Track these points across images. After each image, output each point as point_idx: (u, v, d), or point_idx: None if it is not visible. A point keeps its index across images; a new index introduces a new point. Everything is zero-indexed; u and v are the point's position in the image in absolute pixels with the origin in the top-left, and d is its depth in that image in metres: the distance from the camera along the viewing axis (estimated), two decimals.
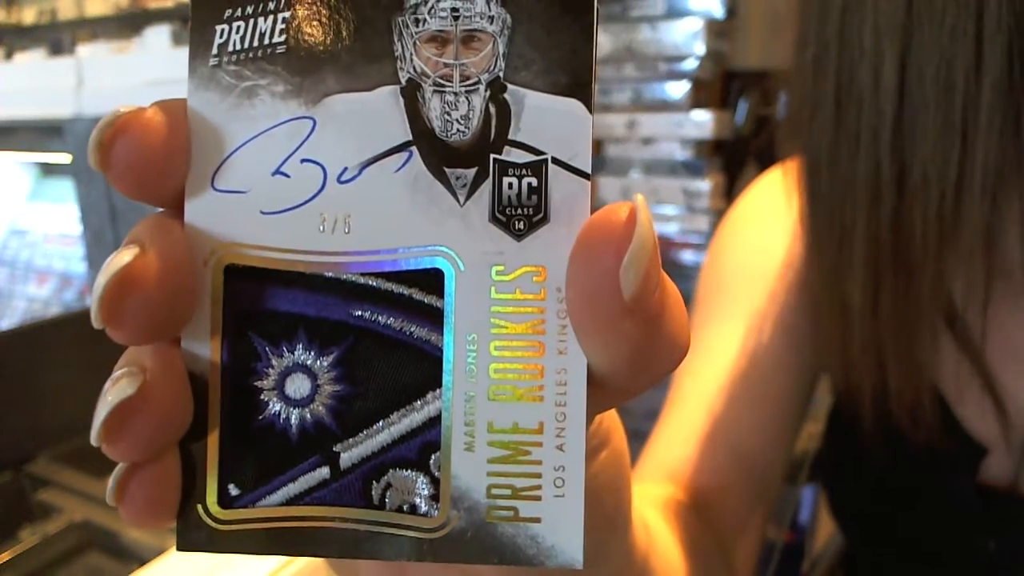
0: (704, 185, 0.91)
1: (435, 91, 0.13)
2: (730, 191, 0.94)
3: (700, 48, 0.89)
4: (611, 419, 0.16)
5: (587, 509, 0.13)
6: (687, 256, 0.95)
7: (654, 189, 0.94)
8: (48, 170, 1.61)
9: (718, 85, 0.94)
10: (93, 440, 0.13)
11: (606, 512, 0.17)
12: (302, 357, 0.14)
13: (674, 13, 0.91)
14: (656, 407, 0.39)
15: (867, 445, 0.36)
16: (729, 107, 0.94)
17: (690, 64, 0.90)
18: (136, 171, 0.13)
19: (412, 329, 0.13)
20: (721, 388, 0.37)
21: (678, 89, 0.91)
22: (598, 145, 1.00)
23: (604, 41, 0.94)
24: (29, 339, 0.66)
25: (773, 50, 0.90)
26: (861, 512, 0.41)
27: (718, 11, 0.90)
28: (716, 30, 0.90)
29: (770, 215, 0.40)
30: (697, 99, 0.91)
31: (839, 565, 0.49)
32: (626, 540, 0.19)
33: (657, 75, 0.92)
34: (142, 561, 0.44)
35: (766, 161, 0.43)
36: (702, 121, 0.90)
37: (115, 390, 0.12)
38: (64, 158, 1.33)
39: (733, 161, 0.94)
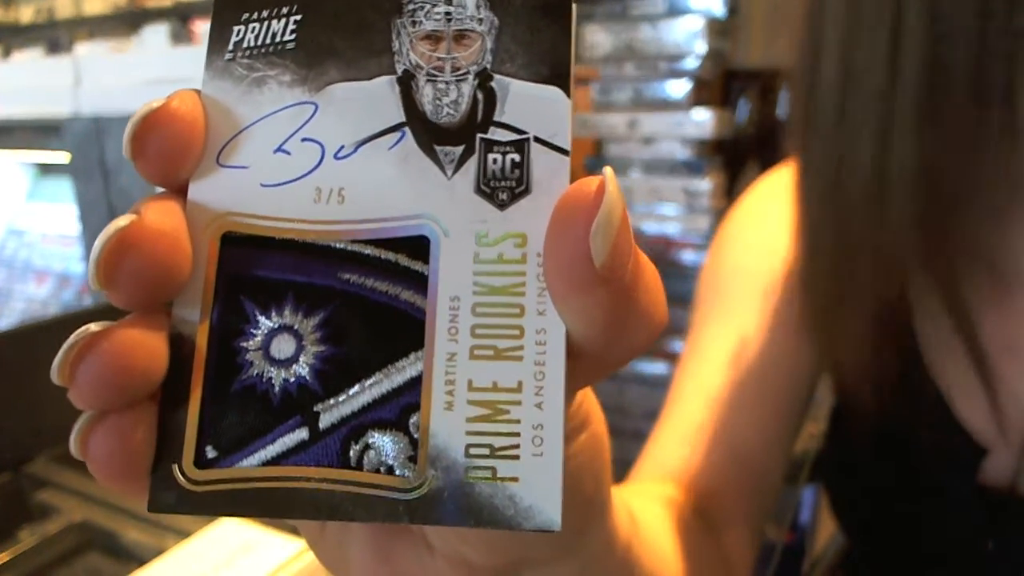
0: (704, 184, 0.91)
1: (428, 80, 0.14)
2: (731, 191, 0.94)
3: (701, 47, 0.89)
4: (590, 402, 0.16)
5: (566, 491, 0.13)
6: (687, 256, 0.95)
7: (654, 189, 0.94)
8: (46, 169, 1.60)
9: (719, 84, 0.94)
10: (53, 376, 0.13)
11: (585, 495, 0.17)
12: (289, 319, 0.14)
13: (675, 12, 0.90)
14: (656, 408, 0.39)
15: (868, 445, 0.36)
16: (730, 106, 0.94)
17: (691, 63, 0.90)
18: (164, 159, 0.14)
19: (398, 292, 0.14)
20: (720, 388, 0.37)
21: (679, 88, 0.91)
22: (598, 144, 1.00)
23: (604, 40, 0.94)
24: (28, 339, 0.65)
25: (774, 49, 0.90)
26: (862, 512, 0.41)
27: (719, 10, 0.90)
28: (717, 29, 0.90)
29: (771, 216, 0.40)
30: (698, 98, 0.91)
31: (839, 565, 0.49)
32: (606, 524, 0.19)
33: (657, 74, 0.92)
34: (141, 561, 0.43)
35: (767, 160, 0.43)
36: (703, 120, 0.90)
37: (83, 328, 0.13)
38: (62, 157, 1.33)
39: (734, 160, 0.94)
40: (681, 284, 0.94)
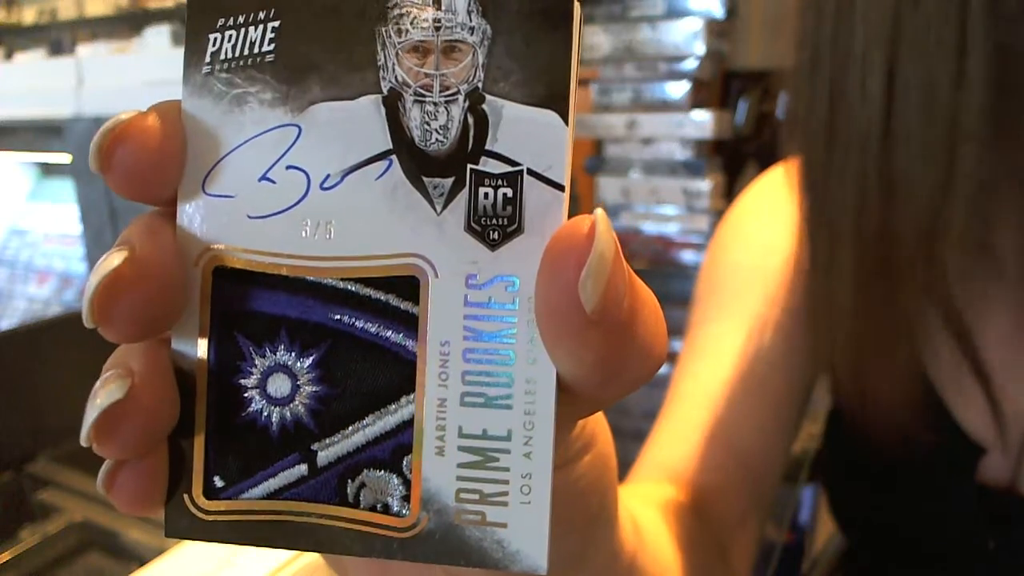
0: (704, 185, 0.92)
1: (415, 101, 0.13)
2: (730, 191, 0.94)
3: (700, 48, 0.89)
4: (596, 422, 0.16)
5: (570, 512, 0.13)
6: (687, 256, 0.95)
7: (654, 189, 0.94)
8: (48, 170, 1.61)
9: (718, 85, 0.94)
10: (83, 441, 0.13)
11: (590, 513, 0.17)
12: (283, 358, 0.14)
13: (674, 13, 0.91)
14: (655, 408, 0.39)
15: (866, 445, 0.36)
16: (729, 107, 0.95)
17: (690, 64, 0.90)
18: (134, 175, 0.13)
19: (388, 334, 0.14)
20: (719, 387, 0.37)
21: (678, 89, 0.91)
22: (598, 145, 1.00)
23: (604, 41, 0.94)
24: (29, 339, 0.66)
25: (773, 50, 0.90)
26: (861, 513, 0.41)
27: (718, 11, 0.90)
28: (716, 30, 0.90)
29: (770, 214, 0.40)
30: (697, 99, 0.91)
31: (839, 565, 0.49)
32: (611, 539, 0.19)
33: (657, 75, 0.92)
34: (142, 561, 0.44)
35: (766, 161, 0.43)
36: (702, 121, 0.90)
37: (104, 393, 0.13)
38: (64, 158, 1.33)
39: (733, 161, 0.94)
40: (681, 284, 0.94)
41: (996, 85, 0.27)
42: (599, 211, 0.12)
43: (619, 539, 0.19)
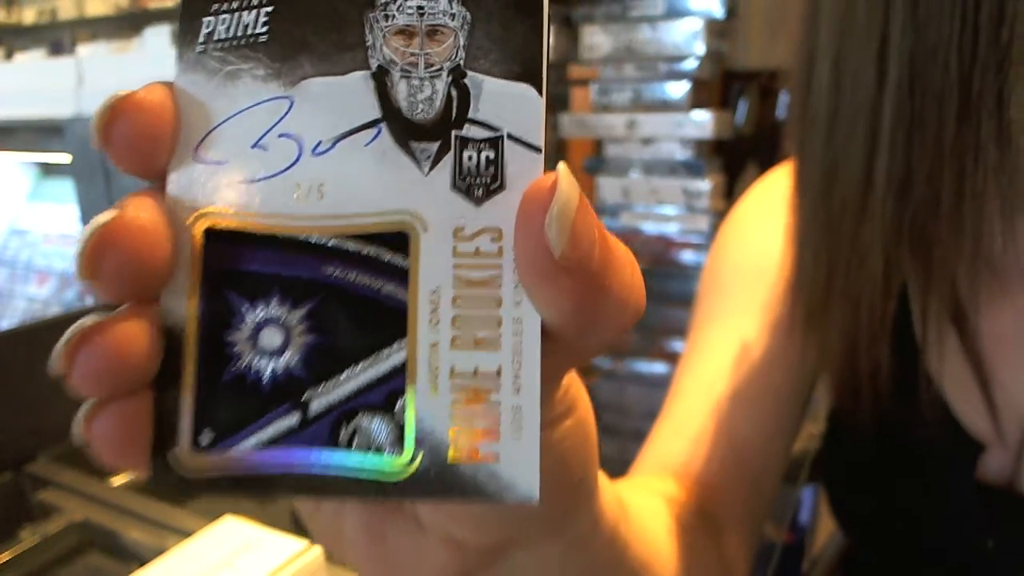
0: (704, 185, 0.92)
1: (402, 76, 0.15)
2: (730, 191, 0.95)
3: (700, 48, 0.89)
4: (577, 388, 0.17)
5: (552, 476, 0.14)
6: (687, 256, 0.96)
7: (654, 189, 0.95)
8: (48, 170, 1.61)
9: (718, 85, 0.94)
10: (52, 365, 0.13)
11: (571, 479, 0.17)
12: (275, 312, 0.14)
13: (674, 13, 0.91)
14: (655, 408, 0.39)
15: (866, 444, 0.37)
16: (729, 107, 0.95)
17: (690, 64, 0.91)
18: (132, 147, 0.14)
19: (380, 285, 0.14)
20: (719, 385, 0.37)
21: (678, 89, 0.91)
22: (598, 145, 1.00)
23: (604, 41, 0.94)
24: (29, 339, 0.66)
25: (773, 50, 0.90)
26: (861, 511, 0.41)
27: (718, 11, 0.90)
28: (716, 30, 0.90)
29: (771, 216, 0.40)
30: (697, 99, 0.91)
31: (839, 565, 0.49)
32: (592, 508, 0.19)
33: (657, 75, 0.92)
34: (142, 561, 0.44)
35: (766, 161, 0.43)
36: (702, 121, 0.90)
37: (80, 321, 0.13)
38: (64, 158, 1.33)
39: (733, 161, 0.94)
40: (681, 284, 0.94)
41: (912, 86, 0.28)
42: (561, 165, 0.13)
43: (600, 509, 0.20)
